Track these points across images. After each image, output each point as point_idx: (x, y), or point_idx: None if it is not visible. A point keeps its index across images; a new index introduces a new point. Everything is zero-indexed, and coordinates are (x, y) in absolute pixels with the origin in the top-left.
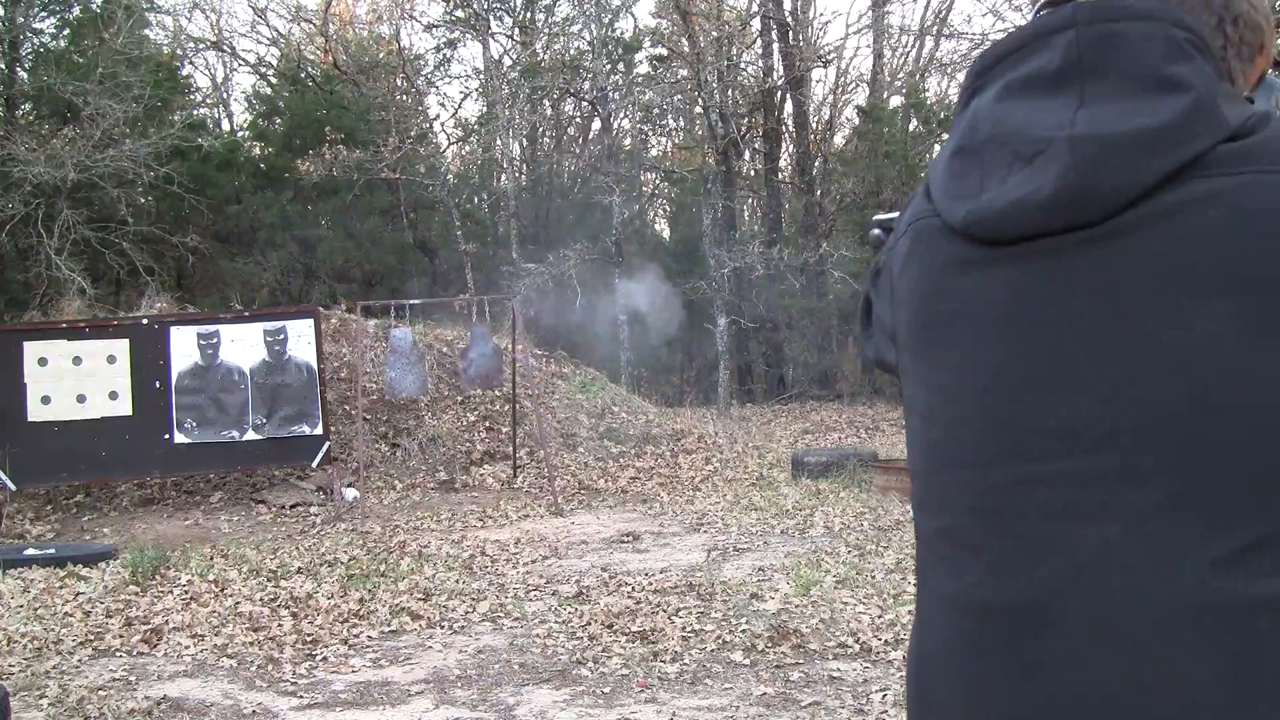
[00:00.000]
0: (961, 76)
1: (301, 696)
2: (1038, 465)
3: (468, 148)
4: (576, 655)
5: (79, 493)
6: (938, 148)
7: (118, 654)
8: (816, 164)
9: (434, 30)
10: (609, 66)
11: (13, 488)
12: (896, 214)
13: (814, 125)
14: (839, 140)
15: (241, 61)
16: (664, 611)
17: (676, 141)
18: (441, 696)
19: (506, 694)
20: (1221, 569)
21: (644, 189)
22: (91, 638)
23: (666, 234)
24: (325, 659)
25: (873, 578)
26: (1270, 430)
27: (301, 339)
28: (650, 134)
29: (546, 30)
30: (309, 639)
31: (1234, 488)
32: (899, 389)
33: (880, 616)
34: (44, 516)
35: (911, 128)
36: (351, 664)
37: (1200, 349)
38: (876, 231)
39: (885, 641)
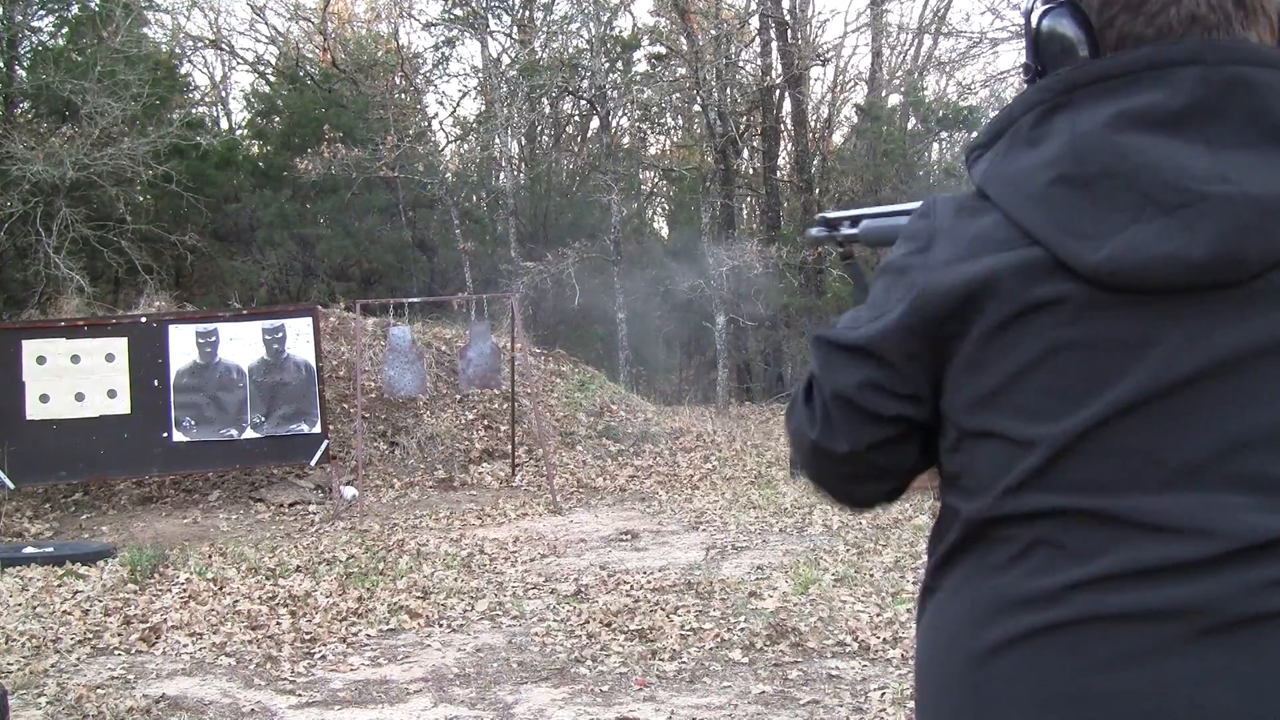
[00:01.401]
0: (961, 74)
1: (300, 695)
2: (1153, 498)
3: (466, 146)
4: (575, 654)
5: (77, 491)
6: (936, 146)
7: (116, 652)
8: (815, 162)
9: (432, 29)
10: (607, 65)
11: (11, 486)
12: (847, 212)
13: (813, 124)
14: (838, 139)
15: (240, 60)
16: (662, 610)
17: (675, 140)
18: (440, 695)
19: (505, 692)
20: None
21: (643, 187)
22: (90, 636)
23: (665, 232)
24: (324, 657)
25: (871, 576)
26: None
27: (300, 337)
28: (649, 132)
29: (545, 28)
30: (307, 637)
31: None
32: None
33: (879, 615)
34: (42, 515)
35: (910, 126)
36: (350, 662)
37: None
38: (815, 231)
39: (884, 640)
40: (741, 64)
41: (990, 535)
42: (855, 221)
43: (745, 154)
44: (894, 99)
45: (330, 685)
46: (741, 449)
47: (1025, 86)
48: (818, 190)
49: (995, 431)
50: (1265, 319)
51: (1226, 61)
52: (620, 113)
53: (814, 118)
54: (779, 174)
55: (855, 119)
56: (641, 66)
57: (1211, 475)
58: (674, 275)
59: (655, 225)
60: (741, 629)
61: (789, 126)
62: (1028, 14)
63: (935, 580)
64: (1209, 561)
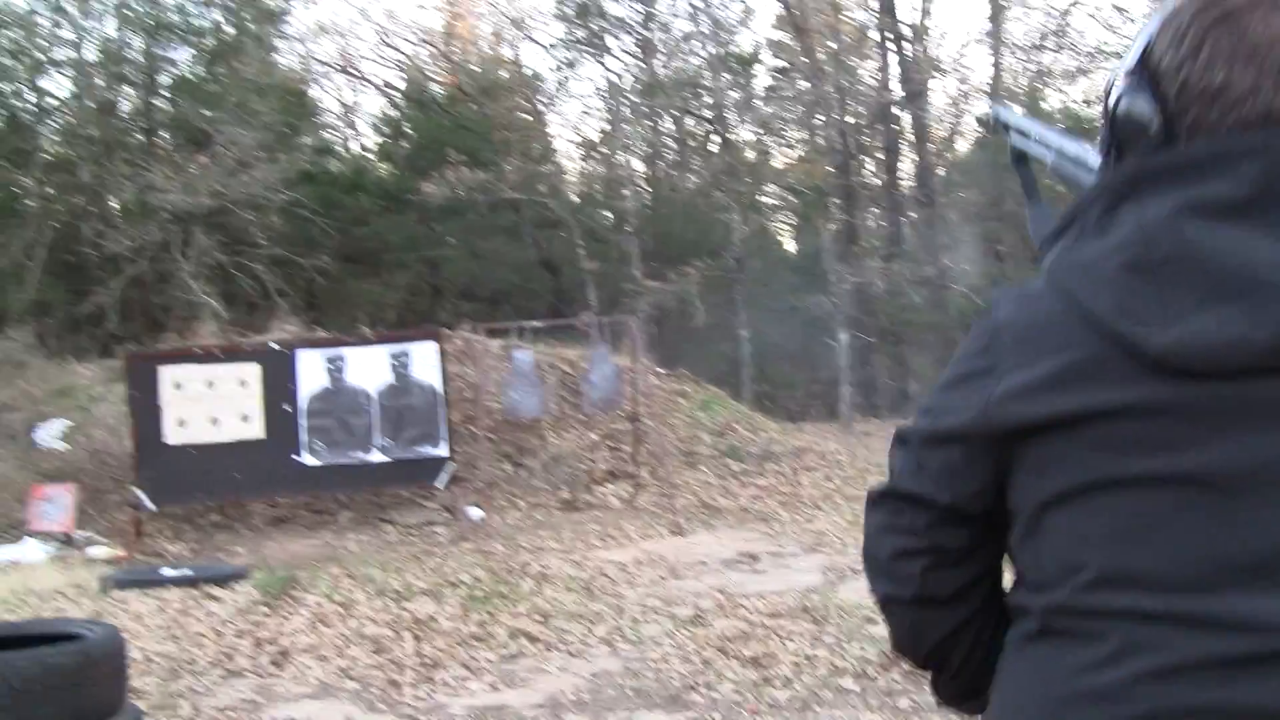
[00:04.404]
0: (1080, 87)
1: (420, 719)
2: (1220, 594)
3: (589, 166)
4: (690, 680)
5: (214, 512)
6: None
7: (246, 674)
8: (937, 176)
9: (554, 50)
10: (727, 83)
11: (153, 508)
12: (1020, 121)
13: (934, 137)
14: (959, 152)
15: (368, 84)
16: (777, 636)
17: (799, 154)
18: None
19: (619, 719)
20: None
21: (767, 201)
22: (223, 658)
23: (791, 247)
24: (444, 682)
25: None
26: None
27: (425, 361)
28: (773, 147)
29: (665, 48)
30: (429, 661)
31: None
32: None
33: None
34: (182, 535)
35: None
36: (469, 687)
37: None
38: (992, 116)
39: None
40: (862, 78)
41: (1065, 627)
42: (1023, 134)
43: (868, 167)
44: (1016, 111)
45: (449, 710)
46: (864, 468)
47: (1099, 158)
48: (940, 203)
49: (1063, 529)
50: None
51: None
52: (742, 128)
53: (935, 131)
54: (901, 188)
55: (978, 132)
56: (764, 80)
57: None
58: (797, 291)
59: (780, 240)
60: (855, 655)
61: (910, 140)
62: (1107, 91)
63: (1016, 656)
64: (1276, 656)
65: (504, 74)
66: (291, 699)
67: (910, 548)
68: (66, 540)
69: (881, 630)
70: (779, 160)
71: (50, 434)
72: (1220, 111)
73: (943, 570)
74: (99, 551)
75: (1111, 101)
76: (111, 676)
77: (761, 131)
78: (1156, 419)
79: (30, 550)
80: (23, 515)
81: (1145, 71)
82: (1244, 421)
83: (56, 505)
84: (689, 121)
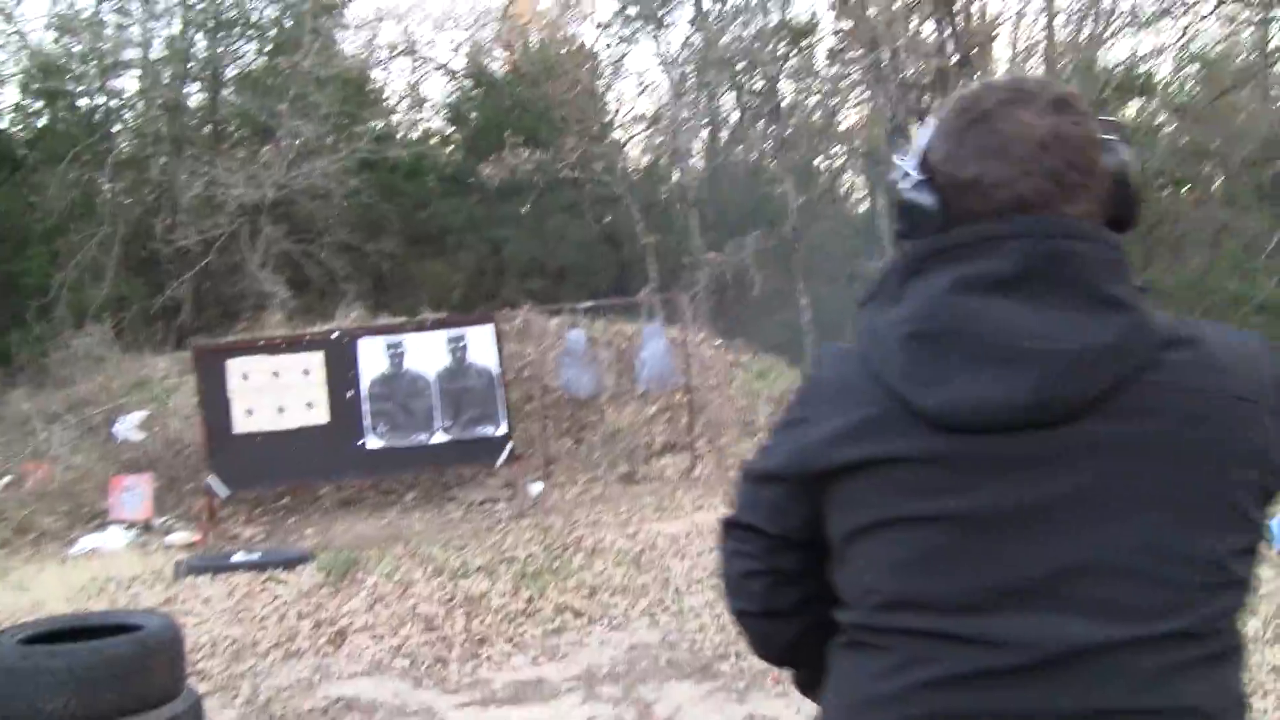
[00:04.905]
0: (1133, 45)
1: (462, 695)
2: (984, 617)
3: (646, 141)
4: (721, 650)
5: (284, 496)
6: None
7: (306, 655)
8: None
9: (608, 29)
10: (783, 53)
11: (225, 494)
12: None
13: None
14: None
15: (432, 65)
16: None
17: (861, 115)
18: (589, 693)
19: (649, 690)
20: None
21: (826, 166)
22: (284, 640)
23: (861, 209)
24: (489, 658)
25: None
26: (1205, 566)
27: (481, 344)
28: (836, 108)
29: (719, 22)
30: (477, 638)
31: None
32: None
33: None
34: (254, 519)
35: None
36: (513, 662)
37: (1146, 518)
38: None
39: None
40: (917, 41)
41: (863, 641)
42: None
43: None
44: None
45: (491, 685)
46: None
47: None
48: None
49: (861, 558)
50: (1079, 466)
51: (1048, 235)
52: (801, 95)
53: None
54: None
55: None
56: (827, 42)
57: (1038, 597)
58: (856, 258)
59: (845, 203)
60: None
61: None
62: (892, 182)
63: (835, 662)
64: (1030, 668)
65: (562, 52)
66: (345, 677)
67: (754, 569)
68: (147, 527)
69: None
70: (843, 123)
71: (128, 426)
72: (981, 199)
73: (782, 588)
74: (177, 537)
75: (898, 190)
76: (168, 664)
77: (825, 92)
78: (932, 467)
79: (112, 537)
80: (104, 505)
81: (924, 167)
82: (1004, 470)
83: (135, 495)
84: (747, 92)
